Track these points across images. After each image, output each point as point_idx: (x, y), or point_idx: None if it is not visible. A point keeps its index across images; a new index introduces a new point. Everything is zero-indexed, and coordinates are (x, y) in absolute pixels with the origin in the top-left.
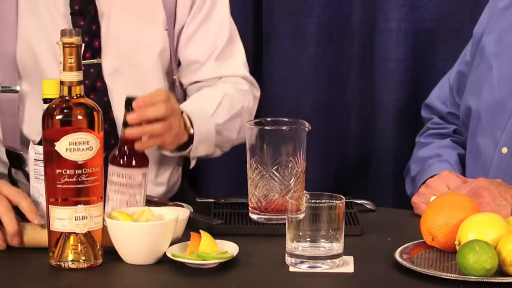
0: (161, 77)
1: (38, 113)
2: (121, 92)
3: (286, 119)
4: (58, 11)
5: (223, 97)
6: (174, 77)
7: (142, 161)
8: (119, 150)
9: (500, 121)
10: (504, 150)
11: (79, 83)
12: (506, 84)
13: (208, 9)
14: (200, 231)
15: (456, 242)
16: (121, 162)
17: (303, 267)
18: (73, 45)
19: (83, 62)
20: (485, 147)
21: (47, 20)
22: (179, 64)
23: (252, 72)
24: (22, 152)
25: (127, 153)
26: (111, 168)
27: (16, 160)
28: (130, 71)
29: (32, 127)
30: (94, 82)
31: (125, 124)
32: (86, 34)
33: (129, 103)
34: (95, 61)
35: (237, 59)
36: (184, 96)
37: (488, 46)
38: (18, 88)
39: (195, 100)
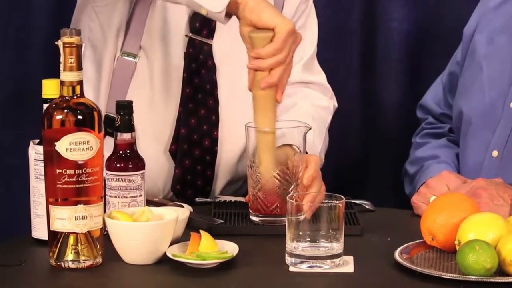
0: None
1: (144, 86)
2: (227, 73)
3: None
4: None
5: (313, 123)
6: None
7: (139, 163)
8: (115, 155)
9: (491, 124)
10: (495, 153)
11: (79, 83)
12: (496, 87)
13: (306, 17)
14: (200, 231)
15: (456, 242)
16: (120, 167)
17: (303, 267)
18: (73, 45)
19: (199, 38)
20: (476, 150)
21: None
22: None
23: None
24: None
25: (123, 157)
26: (109, 174)
27: (111, 126)
28: (238, 56)
29: (137, 97)
30: (206, 59)
31: (118, 128)
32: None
33: (120, 107)
34: (207, 40)
35: (320, 72)
36: None
37: (479, 47)
38: (137, 59)
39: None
